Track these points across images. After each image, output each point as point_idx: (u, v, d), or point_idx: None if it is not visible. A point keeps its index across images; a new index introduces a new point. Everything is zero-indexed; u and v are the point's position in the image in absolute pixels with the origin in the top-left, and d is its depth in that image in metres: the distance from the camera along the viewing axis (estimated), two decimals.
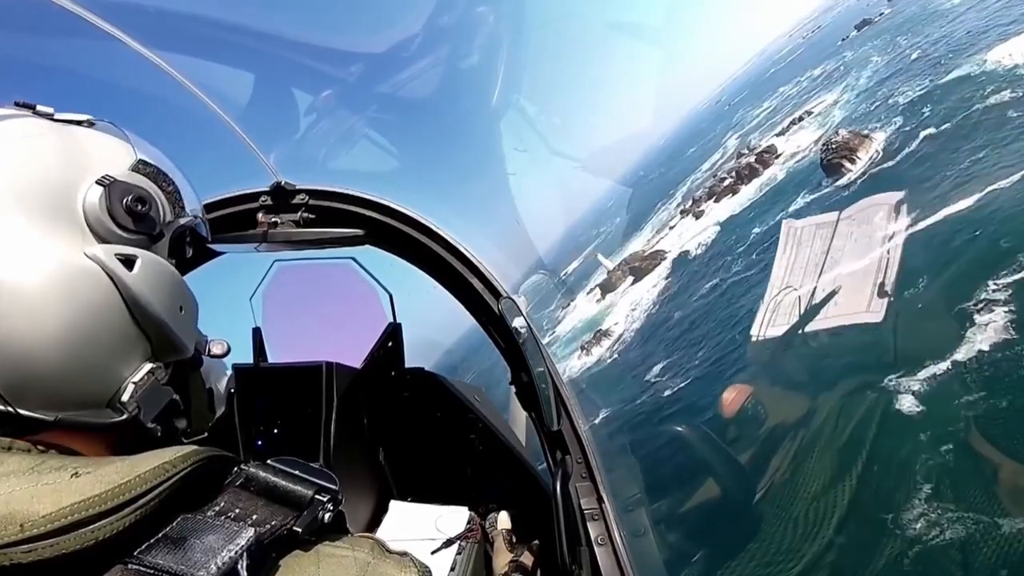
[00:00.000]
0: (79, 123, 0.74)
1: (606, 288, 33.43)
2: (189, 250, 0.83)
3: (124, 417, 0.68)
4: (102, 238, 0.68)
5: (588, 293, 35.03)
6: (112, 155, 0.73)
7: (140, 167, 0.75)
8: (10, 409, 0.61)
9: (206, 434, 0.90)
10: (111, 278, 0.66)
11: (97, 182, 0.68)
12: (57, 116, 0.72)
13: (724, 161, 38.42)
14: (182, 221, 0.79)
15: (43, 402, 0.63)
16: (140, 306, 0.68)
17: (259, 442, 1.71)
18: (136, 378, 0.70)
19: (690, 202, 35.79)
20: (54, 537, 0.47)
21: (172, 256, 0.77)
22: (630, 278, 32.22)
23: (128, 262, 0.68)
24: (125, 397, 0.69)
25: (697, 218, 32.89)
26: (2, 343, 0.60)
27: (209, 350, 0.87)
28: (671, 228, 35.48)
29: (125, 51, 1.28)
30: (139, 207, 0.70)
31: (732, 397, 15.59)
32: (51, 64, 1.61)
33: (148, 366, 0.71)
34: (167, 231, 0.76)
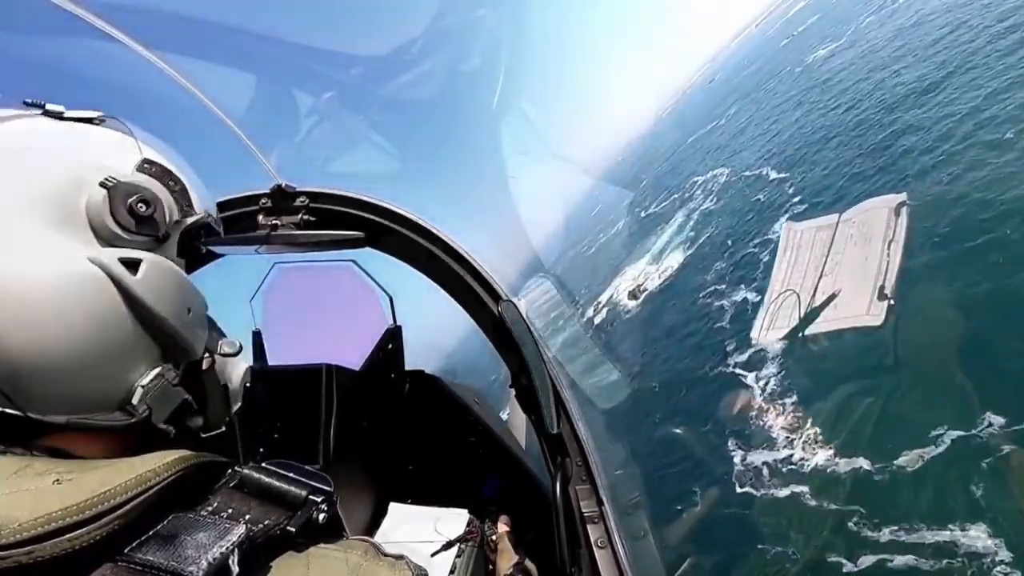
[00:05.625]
0: (89, 120, 0.73)
1: None
2: (203, 248, 0.82)
3: (134, 420, 0.68)
4: (106, 241, 0.67)
5: None
6: (118, 155, 0.72)
7: (145, 167, 0.73)
8: (18, 413, 0.61)
9: (223, 428, 0.90)
10: (115, 282, 0.65)
11: (101, 184, 0.67)
12: (67, 115, 0.71)
13: None
14: (189, 221, 0.77)
15: (53, 406, 0.63)
16: (145, 310, 0.67)
17: (258, 445, 1.71)
18: (145, 381, 0.69)
19: None
20: (30, 545, 0.47)
21: (182, 255, 0.75)
22: None
23: (132, 265, 0.67)
24: (135, 400, 0.68)
25: None
26: (10, 349, 0.60)
27: (221, 349, 0.86)
28: None
29: (126, 52, 1.28)
30: (143, 209, 0.68)
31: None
32: (50, 65, 1.61)
33: (157, 369, 0.70)
34: (174, 231, 0.74)
